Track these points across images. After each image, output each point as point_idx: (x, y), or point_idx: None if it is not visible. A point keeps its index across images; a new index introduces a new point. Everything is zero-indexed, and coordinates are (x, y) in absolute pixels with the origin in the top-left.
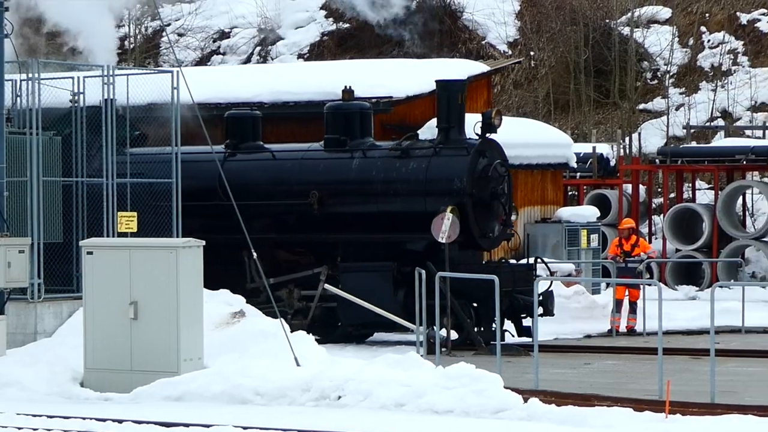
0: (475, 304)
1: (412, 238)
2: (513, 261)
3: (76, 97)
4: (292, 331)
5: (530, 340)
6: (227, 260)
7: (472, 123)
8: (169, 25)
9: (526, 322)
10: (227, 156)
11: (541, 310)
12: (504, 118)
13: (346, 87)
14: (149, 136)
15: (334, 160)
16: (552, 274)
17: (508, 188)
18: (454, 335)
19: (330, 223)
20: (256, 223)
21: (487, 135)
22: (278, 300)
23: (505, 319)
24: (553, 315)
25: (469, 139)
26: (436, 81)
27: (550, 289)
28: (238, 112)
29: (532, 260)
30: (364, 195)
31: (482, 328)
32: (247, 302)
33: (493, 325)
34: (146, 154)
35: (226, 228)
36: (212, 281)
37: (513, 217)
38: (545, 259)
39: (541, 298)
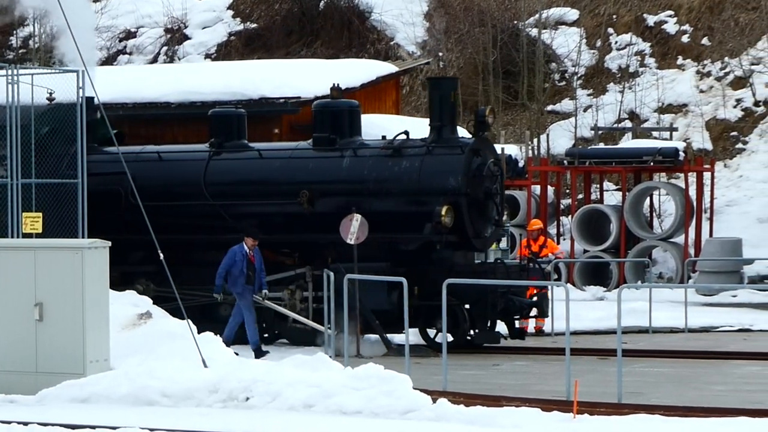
0: (467, 306)
1: (405, 239)
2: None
3: (53, 95)
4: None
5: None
6: (213, 261)
7: (379, 122)
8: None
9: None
10: (212, 155)
11: (536, 311)
12: (412, 119)
13: (334, 84)
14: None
15: (324, 159)
16: (545, 274)
17: (500, 187)
18: (449, 337)
19: (321, 223)
20: (243, 224)
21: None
22: (279, 300)
23: (498, 320)
24: (547, 316)
25: (462, 137)
26: (428, 79)
27: (544, 291)
28: (222, 111)
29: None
30: (356, 194)
31: (476, 330)
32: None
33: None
34: (128, 153)
35: (211, 228)
36: (198, 281)
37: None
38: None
39: (536, 299)
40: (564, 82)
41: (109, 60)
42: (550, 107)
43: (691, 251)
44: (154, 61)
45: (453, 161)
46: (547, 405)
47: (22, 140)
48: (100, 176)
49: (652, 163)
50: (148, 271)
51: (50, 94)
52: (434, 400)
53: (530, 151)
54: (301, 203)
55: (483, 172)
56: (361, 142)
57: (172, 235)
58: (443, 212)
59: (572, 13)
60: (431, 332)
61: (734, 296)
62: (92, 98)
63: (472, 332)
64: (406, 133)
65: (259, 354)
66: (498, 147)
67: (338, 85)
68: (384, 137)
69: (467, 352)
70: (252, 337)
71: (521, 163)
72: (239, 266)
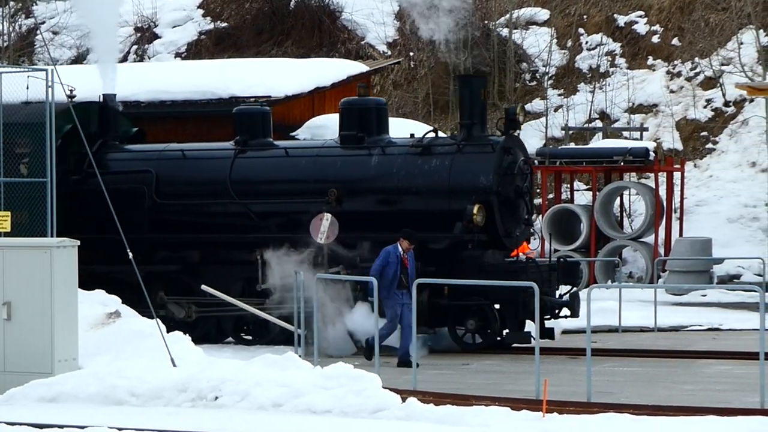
0: (497, 306)
1: (434, 237)
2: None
3: (74, 92)
4: None
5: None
6: (237, 260)
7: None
8: (43, 23)
9: (550, 323)
10: (237, 153)
11: (568, 312)
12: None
13: (361, 84)
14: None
15: (352, 157)
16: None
17: (530, 186)
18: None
19: (349, 221)
20: (270, 222)
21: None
22: None
23: (527, 320)
24: (578, 316)
25: (492, 135)
26: (458, 76)
27: (575, 291)
28: (247, 108)
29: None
30: (385, 193)
31: (507, 330)
32: (259, 305)
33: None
34: (141, 150)
35: (236, 227)
36: (220, 281)
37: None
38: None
39: (568, 299)
40: (535, 82)
41: (79, 59)
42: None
43: (661, 251)
44: (124, 60)
45: (484, 159)
46: (516, 404)
47: (34, 140)
48: (124, 174)
49: (622, 163)
50: (171, 270)
51: (71, 91)
52: (404, 400)
53: None
54: (330, 202)
55: (514, 171)
56: (389, 140)
57: (197, 234)
58: (475, 211)
59: (543, 14)
60: (460, 331)
61: (704, 296)
62: (113, 95)
63: (503, 332)
64: (435, 131)
65: (405, 364)
66: None
67: (364, 83)
68: (412, 135)
69: (432, 352)
70: (384, 337)
71: None
72: (392, 268)
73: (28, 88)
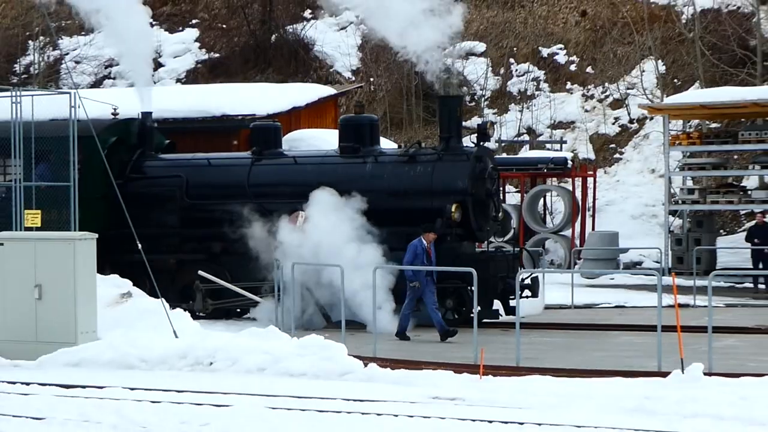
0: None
1: (419, 231)
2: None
3: (117, 111)
4: None
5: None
6: (255, 252)
7: (321, 136)
8: (67, 54)
9: (513, 303)
10: (254, 161)
11: (528, 293)
12: (321, 131)
13: (358, 102)
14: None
15: (350, 164)
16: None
17: (497, 189)
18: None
19: None
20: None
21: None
22: None
23: (495, 300)
24: (537, 296)
25: (466, 146)
26: (439, 97)
27: (535, 276)
28: (262, 124)
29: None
30: (378, 194)
31: (480, 308)
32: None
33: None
34: (173, 159)
35: (253, 223)
36: (238, 269)
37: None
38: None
39: (530, 282)
40: (473, 103)
41: (96, 84)
42: (462, 123)
43: (577, 242)
44: (133, 85)
45: (460, 166)
46: (458, 368)
47: (84, 150)
48: (159, 179)
49: (545, 170)
50: (199, 259)
51: (114, 110)
52: (365, 365)
53: None
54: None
55: (485, 176)
56: (380, 151)
57: (220, 229)
58: (453, 209)
59: (480, 46)
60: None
61: (612, 279)
62: (150, 113)
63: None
64: (419, 143)
65: (403, 337)
66: None
67: (360, 102)
68: (400, 146)
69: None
70: (436, 319)
71: None
72: (420, 259)
73: (79, 107)
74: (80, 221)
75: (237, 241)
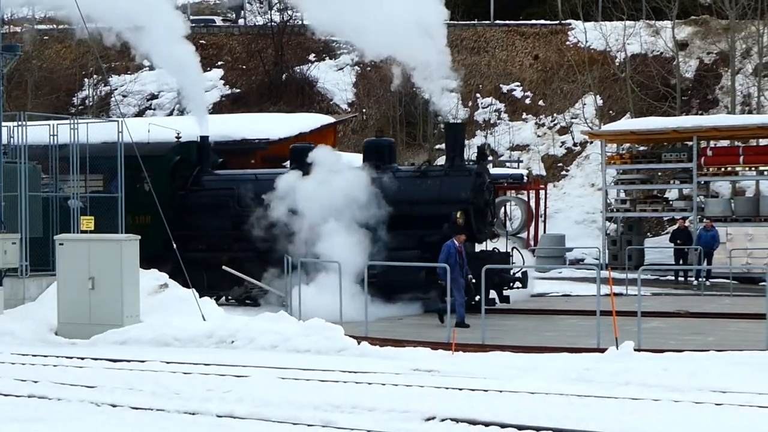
0: (474, 280)
1: (429, 233)
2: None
3: (180, 135)
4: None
5: (509, 305)
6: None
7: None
8: (116, 89)
9: (506, 292)
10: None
11: (519, 284)
12: (344, 153)
13: (380, 129)
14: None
15: (375, 178)
16: (523, 259)
17: (492, 199)
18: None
19: None
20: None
21: (481, 161)
22: None
23: (491, 290)
24: (527, 287)
25: (469, 164)
26: (446, 123)
27: (525, 270)
28: (299, 145)
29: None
30: (395, 203)
31: (478, 297)
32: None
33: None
34: (226, 174)
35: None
36: (277, 263)
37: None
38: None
39: (521, 275)
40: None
41: (140, 113)
42: (437, 146)
43: (532, 243)
44: (170, 115)
45: (464, 180)
46: (435, 346)
47: (153, 168)
48: (215, 190)
49: (506, 184)
50: (248, 257)
51: (178, 134)
52: (359, 343)
53: None
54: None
55: (483, 188)
56: (397, 168)
57: (265, 233)
58: (458, 215)
59: (452, 82)
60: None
61: (560, 272)
62: (207, 136)
63: (477, 298)
64: (429, 161)
65: (462, 325)
66: None
67: (381, 128)
68: (413, 164)
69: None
70: (459, 313)
71: None
72: (453, 257)
73: (149, 131)
74: (150, 226)
75: (277, 241)
